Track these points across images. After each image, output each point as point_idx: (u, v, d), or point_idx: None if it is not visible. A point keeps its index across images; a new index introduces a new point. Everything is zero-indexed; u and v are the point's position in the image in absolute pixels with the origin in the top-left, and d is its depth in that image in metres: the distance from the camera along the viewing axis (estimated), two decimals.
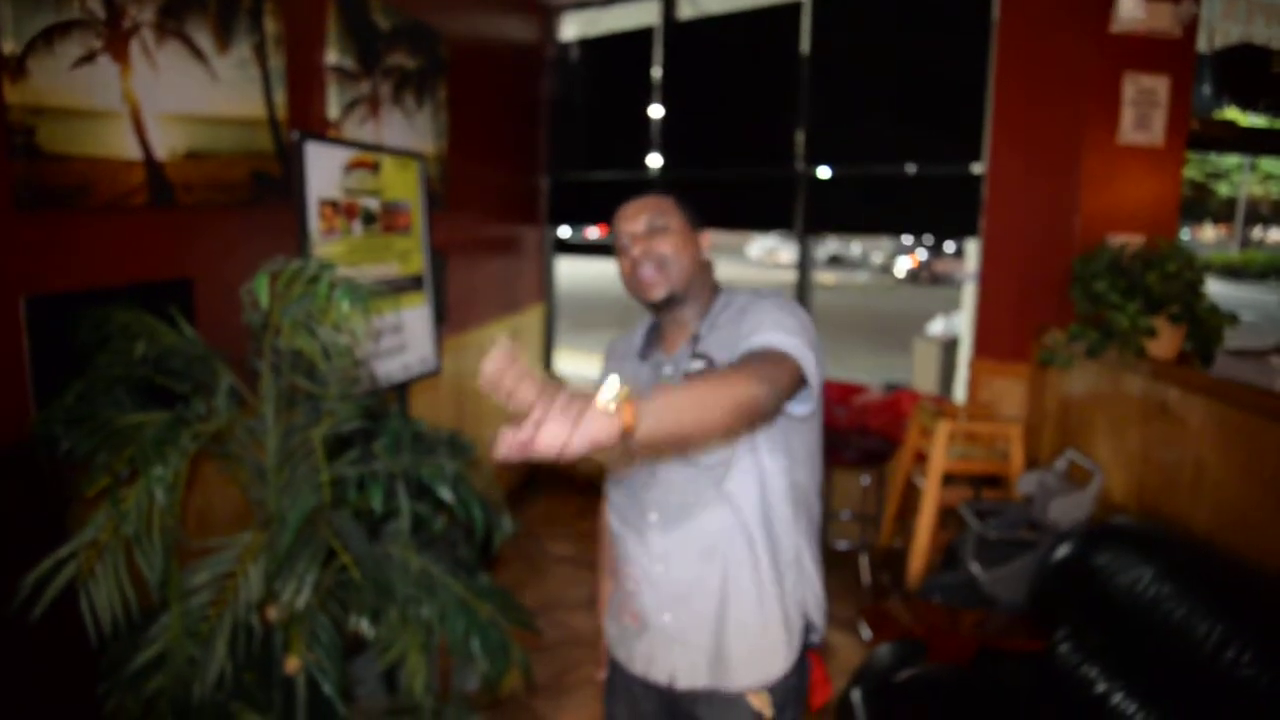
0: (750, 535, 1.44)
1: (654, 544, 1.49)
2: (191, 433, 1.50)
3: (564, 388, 0.85)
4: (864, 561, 3.89)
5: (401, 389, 2.77)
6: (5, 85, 1.75)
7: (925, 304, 14.73)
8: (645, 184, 4.81)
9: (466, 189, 4.02)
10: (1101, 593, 2.18)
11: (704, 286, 1.53)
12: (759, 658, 1.48)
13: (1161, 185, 3.32)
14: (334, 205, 2.42)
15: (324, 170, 2.38)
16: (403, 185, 2.77)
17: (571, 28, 5.14)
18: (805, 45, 4.13)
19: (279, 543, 1.50)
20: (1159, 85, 3.22)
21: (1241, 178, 21.61)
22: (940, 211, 3.91)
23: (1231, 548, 2.20)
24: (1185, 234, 23.63)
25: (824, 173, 4.17)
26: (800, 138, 4.19)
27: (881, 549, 3.84)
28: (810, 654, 1.57)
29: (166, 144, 2.17)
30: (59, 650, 1.62)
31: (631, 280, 1.50)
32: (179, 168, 2.21)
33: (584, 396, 0.85)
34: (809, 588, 1.52)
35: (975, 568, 2.76)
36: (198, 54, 2.25)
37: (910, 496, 3.60)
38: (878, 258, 23.71)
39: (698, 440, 1.24)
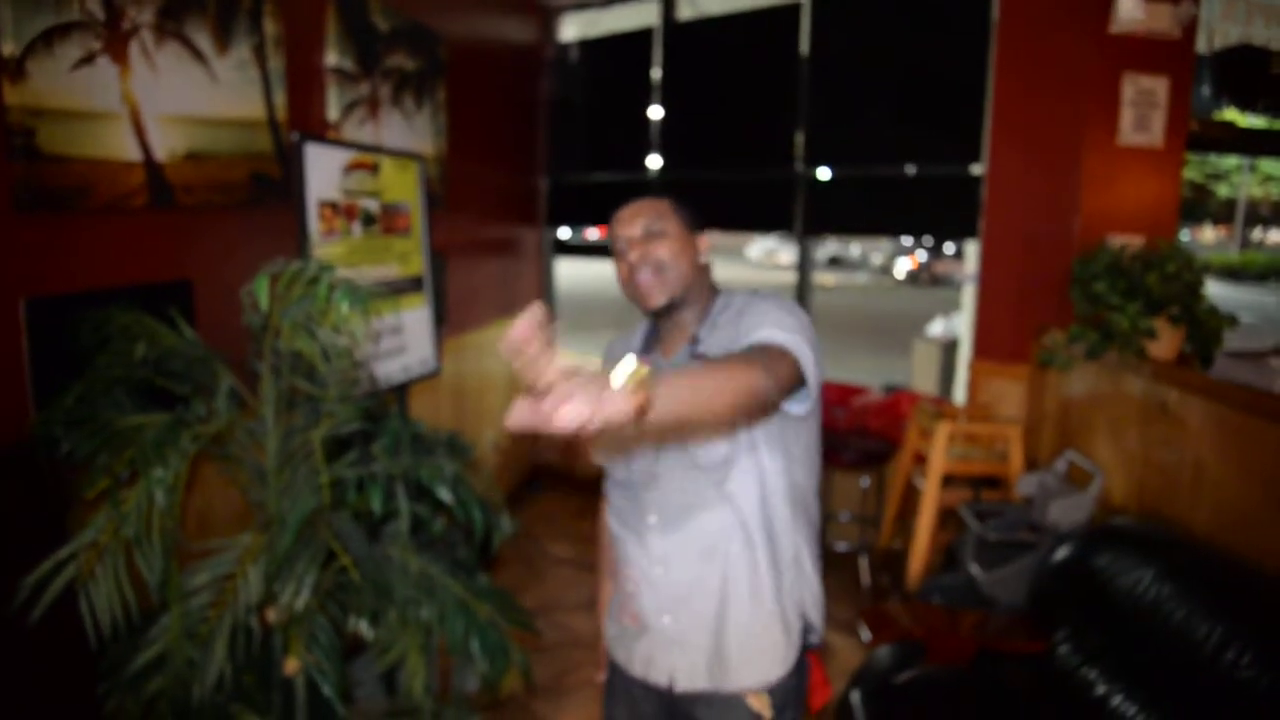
0: (750, 536, 1.44)
1: (653, 546, 1.49)
2: (191, 434, 1.50)
3: (585, 364, 0.84)
4: (863, 563, 3.89)
5: (401, 390, 2.77)
6: (5, 87, 1.75)
7: (925, 305, 14.74)
8: (645, 185, 4.82)
9: (466, 190, 4.03)
10: (1101, 594, 2.18)
11: (702, 289, 1.52)
12: (758, 658, 1.48)
13: (1161, 186, 3.33)
14: (333, 206, 2.42)
15: (323, 171, 2.38)
16: (402, 186, 2.77)
17: (571, 29, 5.14)
18: (805, 46, 4.13)
19: (278, 544, 1.50)
20: (1158, 86, 3.23)
21: (1241, 179, 21.62)
22: (940, 212, 3.91)
23: (1231, 549, 2.20)
24: (1185, 235, 23.63)
25: (824, 174, 4.17)
26: (800, 139, 4.19)
27: (881, 550, 3.84)
28: (809, 655, 1.57)
29: (166, 145, 2.17)
30: (59, 651, 1.62)
31: (629, 286, 1.49)
32: (179, 169, 2.21)
33: (604, 375, 0.85)
34: (808, 588, 1.52)
35: (975, 569, 2.76)
36: (197, 55, 2.25)
37: (910, 498, 3.60)
38: (877, 259, 23.72)
39: (700, 426, 1.24)
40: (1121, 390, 2.84)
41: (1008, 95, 3.51)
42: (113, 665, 1.51)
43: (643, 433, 1.45)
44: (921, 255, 21.26)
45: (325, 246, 2.38)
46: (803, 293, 4.38)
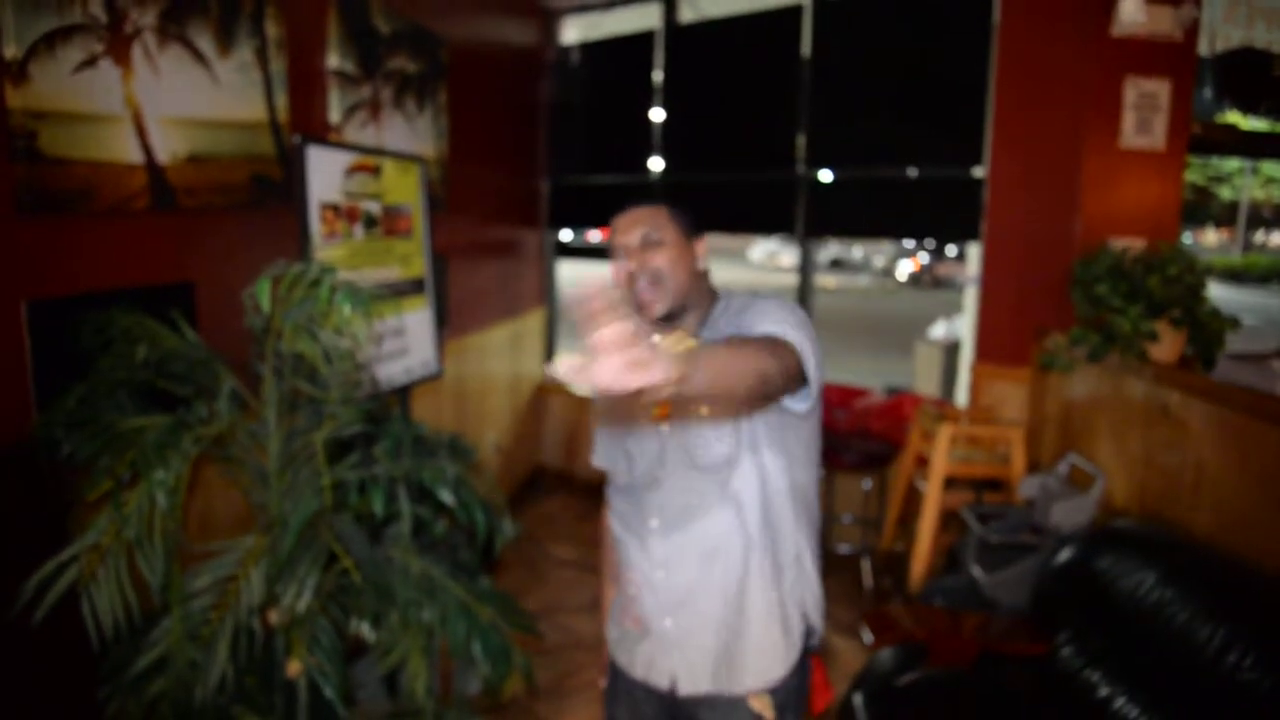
0: (752, 536, 1.44)
1: (654, 550, 1.49)
2: (193, 436, 1.50)
3: (642, 328, 0.85)
4: (866, 565, 3.89)
5: (403, 392, 2.78)
6: (7, 89, 1.75)
7: (927, 307, 14.73)
8: (646, 187, 4.82)
9: (468, 192, 4.03)
10: (1103, 596, 2.17)
11: (702, 294, 1.52)
12: (760, 660, 1.48)
13: (1163, 189, 3.32)
14: (335, 209, 2.43)
15: (325, 174, 2.39)
16: (404, 189, 2.78)
17: (572, 31, 5.15)
18: (806, 49, 4.14)
19: (280, 546, 1.50)
20: (1160, 89, 3.23)
21: (1243, 181, 21.60)
22: (941, 215, 3.91)
23: (1233, 551, 2.20)
24: (1187, 238, 23.62)
25: (825, 176, 4.18)
26: (801, 141, 4.19)
27: (883, 552, 3.84)
28: (811, 658, 1.57)
29: (168, 147, 2.17)
30: (61, 653, 1.62)
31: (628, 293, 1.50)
32: (180, 171, 2.22)
33: (654, 340, 0.85)
34: (808, 588, 1.52)
35: (977, 571, 2.76)
36: (199, 58, 2.26)
37: (912, 500, 3.60)
38: (879, 261, 23.71)
39: (719, 402, 1.24)
40: (1123, 393, 2.84)
41: (1009, 98, 3.51)
42: (115, 667, 1.51)
43: (665, 402, 1.46)
44: (923, 258, 21.25)
45: (327, 249, 2.38)
46: (804, 295, 4.38)
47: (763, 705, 1.48)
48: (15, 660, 1.71)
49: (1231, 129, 4.30)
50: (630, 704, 1.60)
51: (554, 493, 5.08)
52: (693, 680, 1.48)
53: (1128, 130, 3.25)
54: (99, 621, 1.39)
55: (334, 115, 2.93)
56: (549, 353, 5.37)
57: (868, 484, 3.93)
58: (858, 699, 2.30)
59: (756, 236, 18.33)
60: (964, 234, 3.80)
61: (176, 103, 2.19)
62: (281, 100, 2.57)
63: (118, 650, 1.50)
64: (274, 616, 1.60)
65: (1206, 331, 2.74)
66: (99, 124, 1.98)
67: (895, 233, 4.77)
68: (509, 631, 1.72)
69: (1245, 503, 2.25)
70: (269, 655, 1.62)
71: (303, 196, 2.30)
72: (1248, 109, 4.36)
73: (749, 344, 1.18)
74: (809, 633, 1.54)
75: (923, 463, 3.43)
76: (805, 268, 4.40)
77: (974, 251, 3.82)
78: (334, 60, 2.90)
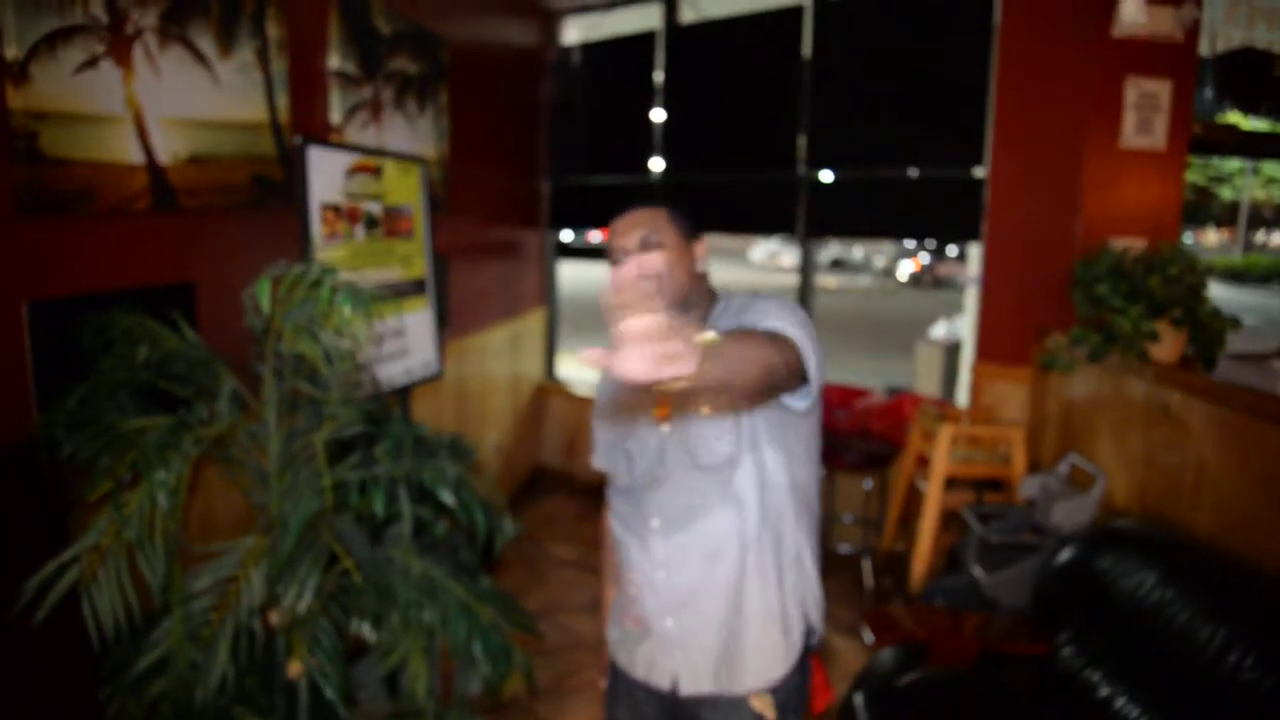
0: (754, 535, 1.44)
1: (655, 550, 1.49)
2: (194, 437, 1.51)
3: (674, 320, 0.83)
4: (866, 565, 3.89)
5: (403, 393, 2.78)
6: (8, 90, 1.76)
7: (928, 307, 14.72)
8: (647, 188, 4.82)
9: (468, 193, 4.03)
10: (1104, 596, 2.17)
11: (701, 296, 1.52)
12: (760, 659, 1.48)
13: (1163, 189, 3.32)
14: (336, 209, 2.43)
15: (326, 174, 2.39)
16: (405, 189, 2.78)
17: (573, 32, 5.15)
18: (807, 49, 4.14)
19: (281, 547, 1.50)
20: (1161, 89, 3.22)
21: (1244, 182, 21.59)
22: (942, 215, 3.91)
23: (1234, 551, 2.20)
24: (1188, 238, 23.61)
25: (826, 176, 4.18)
26: (802, 141, 4.19)
27: (884, 553, 3.84)
28: (811, 658, 1.57)
29: (169, 148, 2.18)
30: (61, 654, 1.63)
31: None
32: (181, 172, 2.22)
33: (683, 333, 0.84)
34: (808, 587, 1.53)
35: (978, 571, 2.76)
36: (200, 58, 2.26)
37: (912, 500, 3.60)
38: (880, 261, 23.70)
39: (726, 395, 1.24)
40: (1124, 393, 2.84)
41: (1010, 98, 3.51)
42: (115, 668, 1.52)
43: (666, 402, 1.46)
44: (924, 258, 21.25)
45: (327, 249, 2.38)
46: (805, 295, 4.38)
47: (764, 705, 1.48)
48: (16, 660, 1.71)
49: (1232, 129, 4.29)
50: (631, 704, 1.60)
51: (554, 493, 5.09)
52: (694, 680, 1.49)
53: (1128, 130, 3.25)
54: (100, 622, 1.39)
55: (335, 116, 2.93)
56: (549, 353, 5.38)
57: (868, 484, 3.93)
58: (858, 699, 2.30)
59: (757, 237, 18.33)
60: (965, 234, 3.80)
61: (177, 103, 2.19)
62: (282, 101, 2.57)
63: (118, 651, 1.50)
64: (275, 617, 1.60)
65: (1207, 331, 2.74)
66: (100, 125, 1.98)
67: (896, 233, 4.77)
68: (509, 631, 1.73)
69: (1246, 503, 2.25)
70: (270, 656, 1.62)
71: (304, 197, 2.30)
72: (1248, 109, 4.36)
73: (754, 336, 1.17)
74: (809, 632, 1.54)
75: (923, 463, 3.43)
76: (806, 268, 4.40)
77: (975, 252, 3.82)
78: (335, 61, 2.90)
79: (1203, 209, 22.15)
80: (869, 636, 2.34)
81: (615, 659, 1.63)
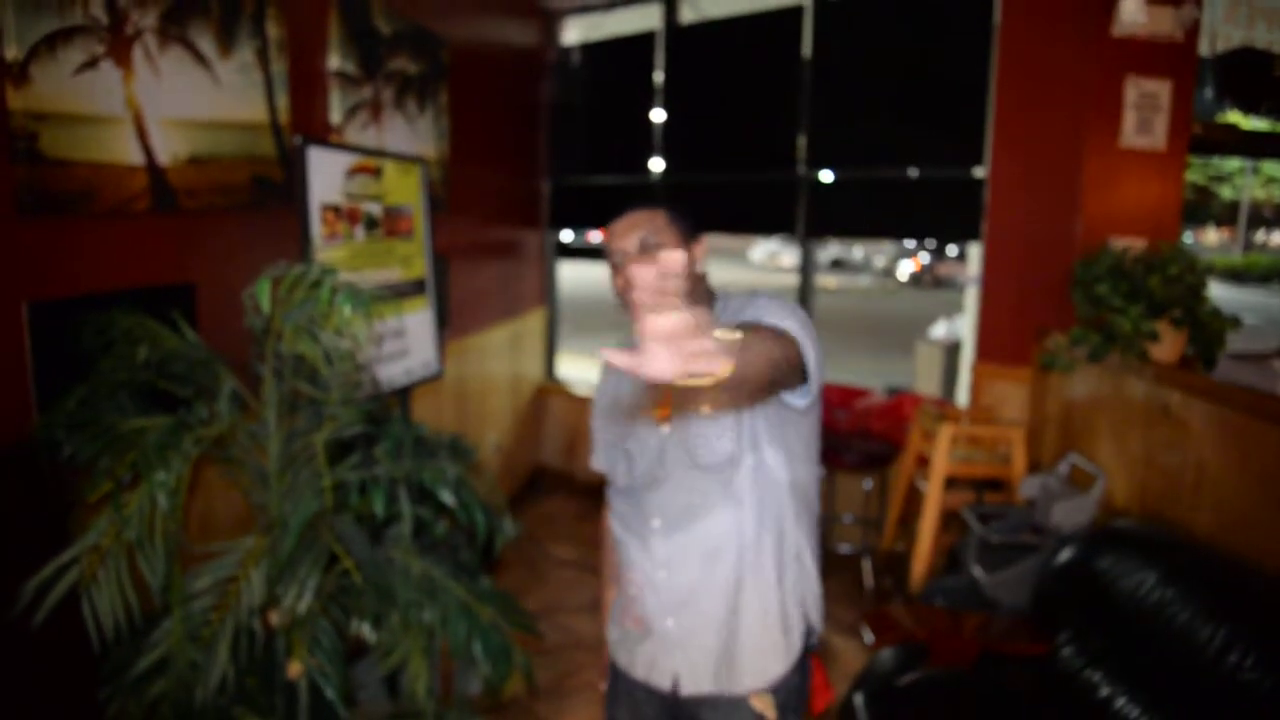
0: (755, 534, 1.44)
1: (656, 550, 1.49)
2: (194, 437, 1.51)
3: (701, 317, 0.81)
4: (866, 565, 3.89)
5: (403, 393, 2.78)
6: (8, 91, 1.76)
7: (928, 307, 14.73)
8: (647, 188, 4.82)
9: (468, 193, 4.03)
10: (1104, 596, 2.17)
11: (700, 297, 1.52)
12: (760, 659, 1.48)
13: (1163, 189, 3.32)
14: (336, 210, 2.43)
15: (326, 175, 2.39)
16: (405, 190, 2.78)
17: (573, 32, 5.15)
18: (807, 49, 4.14)
19: (281, 547, 1.50)
20: (1161, 89, 3.22)
21: (1244, 181, 21.59)
22: (942, 215, 3.91)
23: (1234, 551, 2.20)
24: (1188, 237, 23.61)
25: (826, 176, 4.18)
26: (802, 141, 4.19)
27: (884, 553, 3.84)
28: (811, 657, 1.57)
29: (169, 149, 2.18)
30: (61, 654, 1.63)
31: (625, 298, 1.48)
32: (181, 173, 2.22)
33: (709, 332, 0.82)
34: (808, 586, 1.53)
35: (978, 571, 2.76)
36: (200, 59, 2.26)
37: (913, 500, 3.60)
38: (880, 261, 23.70)
39: (734, 390, 1.23)
40: (1124, 393, 2.84)
41: (1010, 98, 3.51)
42: (115, 668, 1.52)
43: (667, 402, 1.45)
44: (924, 258, 21.25)
45: (327, 250, 2.38)
46: (805, 295, 4.38)
47: (764, 705, 1.48)
48: (16, 661, 1.71)
49: (1232, 129, 4.29)
50: (631, 705, 1.60)
51: (554, 493, 5.09)
52: (694, 680, 1.48)
53: (1128, 130, 3.25)
54: (100, 622, 1.39)
55: (335, 116, 2.93)
56: (549, 353, 5.38)
57: (868, 484, 3.93)
58: (858, 699, 2.30)
59: (757, 237, 18.33)
60: (965, 234, 3.80)
61: (177, 104, 2.19)
62: (282, 101, 2.57)
63: (118, 651, 1.50)
64: (275, 617, 1.60)
65: (1207, 331, 2.74)
66: (100, 125, 1.98)
67: (896, 233, 4.77)
68: (509, 631, 1.73)
69: (1246, 503, 2.25)
70: (270, 656, 1.62)
71: (304, 198, 2.30)
72: (1248, 109, 4.36)
73: (758, 331, 1.17)
74: (809, 632, 1.54)
75: (923, 463, 3.43)
76: (806, 268, 4.41)
77: (975, 251, 3.82)
78: (335, 61, 2.90)
79: (1203, 209, 22.15)
80: (869, 636, 2.34)
81: (615, 659, 1.63)
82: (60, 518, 1.78)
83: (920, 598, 2.96)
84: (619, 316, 1.52)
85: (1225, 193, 21.92)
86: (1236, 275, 18.71)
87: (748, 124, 4.47)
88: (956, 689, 2.28)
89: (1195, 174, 19.72)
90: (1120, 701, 2.03)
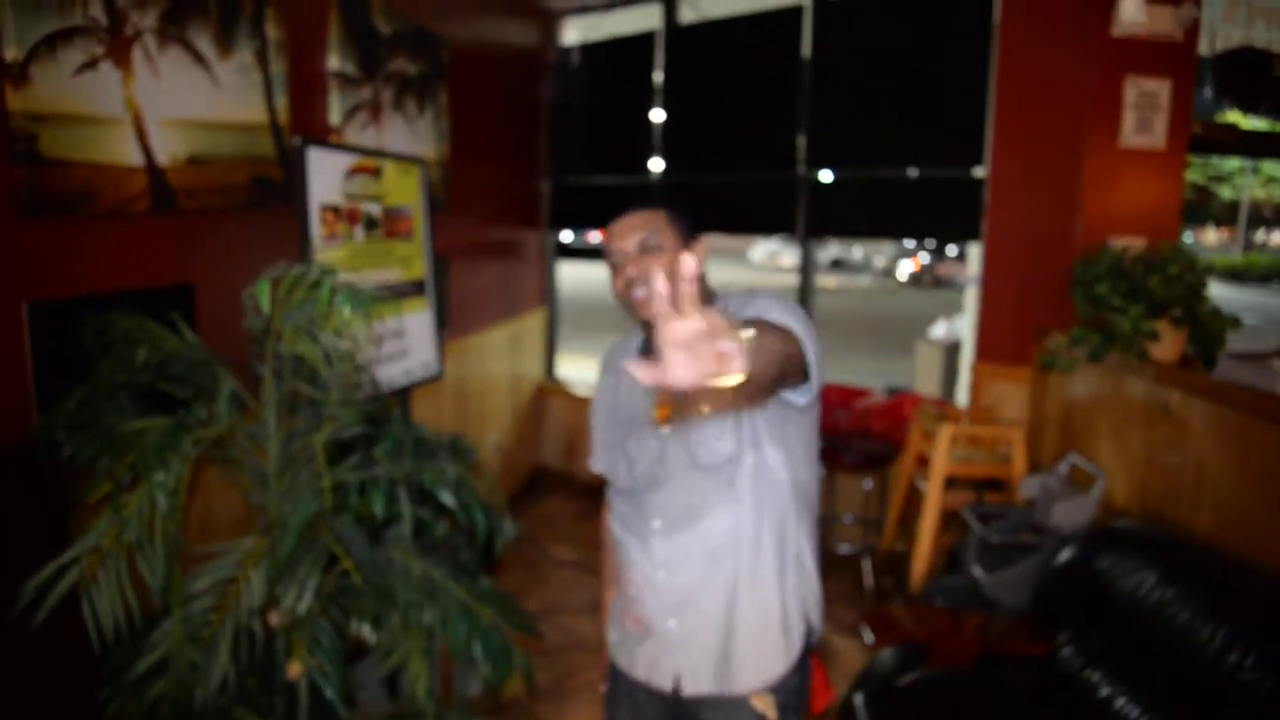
0: (755, 534, 1.44)
1: (657, 550, 1.49)
2: (193, 438, 1.50)
3: (723, 320, 0.80)
4: (866, 565, 3.89)
5: (403, 394, 2.78)
6: (8, 92, 1.76)
7: (927, 307, 14.72)
8: (647, 188, 4.82)
9: (468, 194, 4.03)
10: (1104, 596, 2.17)
11: (699, 296, 1.51)
12: (761, 659, 1.48)
13: (1163, 188, 3.32)
14: (336, 210, 2.43)
15: (326, 175, 2.39)
16: (404, 190, 2.78)
17: (573, 33, 5.15)
18: (806, 49, 4.14)
19: (280, 548, 1.50)
20: (1160, 88, 3.22)
21: (1244, 181, 21.59)
22: (942, 215, 3.91)
23: (1234, 551, 2.20)
24: (1188, 237, 23.61)
25: (826, 176, 4.18)
26: (802, 141, 4.19)
27: (884, 553, 3.84)
28: (811, 657, 1.57)
29: (168, 149, 2.18)
30: (61, 655, 1.63)
31: (625, 299, 1.48)
32: (181, 173, 2.22)
33: (729, 331, 0.81)
34: (808, 586, 1.53)
35: (978, 571, 2.76)
36: (200, 59, 2.26)
37: (912, 500, 3.60)
38: (880, 261, 23.70)
39: (750, 387, 1.22)
40: (1124, 392, 2.84)
41: (1009, 98, 3.51)
42: (115, 669, 1.51)
43: (666, 403, 1.44)
44: (924, 258, 21.25)
45: (327, 250, 2.38)
46: (805, 295, 4.38)
47: (766, 705, 1.48)
48: (16, 661, 1.71)
49: (1232, 128, 4.29)
50: (631, 706, 1.60)
51: (554, 493, 5.08)
52: (695, 681, 1.48)
53: (1128, 130, 3.25)
54: (99, 623, 1.39)
55: (334, 117, 2.93)
56: (549, 353, 5.38)
57: (868, 484, 3.93)
58: (858, 699, 2.30)
59: (757, 237, 18.33)
60: (964, 234, 3.80)
61: (177, 105, 2.19)
62: (282, 102, 2.57)
63: (118, 652, 1.50)
64: (274, 618, 1.60)
65: (1207, 331, 2.74)
66: (99, 126, 1.98)
67: (896, 233, 4.77)
68: (509, 632, 1.72)
69: (1246, 502, 2.25)
70: (270, 657, 1.62)
71: (303, 198, 2.30)
72: (1248, 108, 4.36)
73: (764, 328, 1.16)
74: (809, 632, 1.54)
75: (923, 463, 3.43)
76: (806, 268, 4.41)
77: (974, 251, 3.82)
78: (334, 62, 2.90)
79: (1202, 208, 22.16)
80: (869, 636, 2.34)
81: (615, 661, 1.63)
82: (60, 518, 1.78)
83: (920, 598, 2.96)
84: (619, 317, 1.52)
85: (1225, 192, 21.92)
86: (1236, 275, 18.71)
87: (747, 124, 4.47)
88: (956, 689, 2.28)
89: (1195, 174, 19.72)
90: (1120, 701, 2.03)
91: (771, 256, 23.59)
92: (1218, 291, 3.07)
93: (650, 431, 1.49)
